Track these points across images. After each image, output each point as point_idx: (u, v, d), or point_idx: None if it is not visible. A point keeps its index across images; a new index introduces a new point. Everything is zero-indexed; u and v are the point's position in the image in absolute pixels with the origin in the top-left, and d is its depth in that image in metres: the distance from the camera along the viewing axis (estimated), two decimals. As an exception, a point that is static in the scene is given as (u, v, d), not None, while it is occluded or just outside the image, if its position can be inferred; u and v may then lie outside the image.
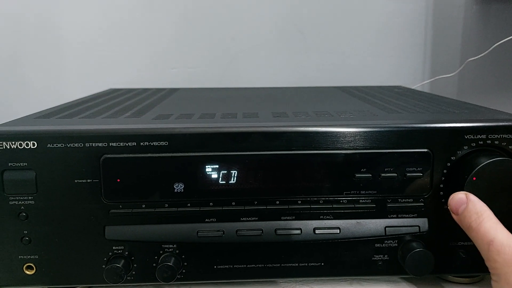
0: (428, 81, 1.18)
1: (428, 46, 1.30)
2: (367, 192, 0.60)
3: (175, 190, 0.59)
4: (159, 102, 0.88)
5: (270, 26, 1.28)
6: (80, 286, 0.64)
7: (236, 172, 0.59)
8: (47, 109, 0.77)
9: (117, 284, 0.59)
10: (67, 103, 0.87)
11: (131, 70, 1.27)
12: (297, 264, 0.62)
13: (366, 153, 0.59)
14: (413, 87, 1.18)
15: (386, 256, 0.61)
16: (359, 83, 1.25)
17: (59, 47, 1.26)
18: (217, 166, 0.59)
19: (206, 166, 0.59)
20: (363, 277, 0.65)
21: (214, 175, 0.59)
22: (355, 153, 0.59)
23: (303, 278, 0.65)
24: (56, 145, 0.57)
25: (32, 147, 0.57)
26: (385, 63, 1.29)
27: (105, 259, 0.60)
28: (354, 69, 1.30)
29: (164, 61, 1.27)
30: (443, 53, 1.29)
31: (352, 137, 0.59)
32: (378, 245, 0.61)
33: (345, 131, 0.59)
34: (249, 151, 0.59)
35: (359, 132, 0.59)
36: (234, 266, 0.61)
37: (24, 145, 0.57)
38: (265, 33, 1.28)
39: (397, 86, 1.16)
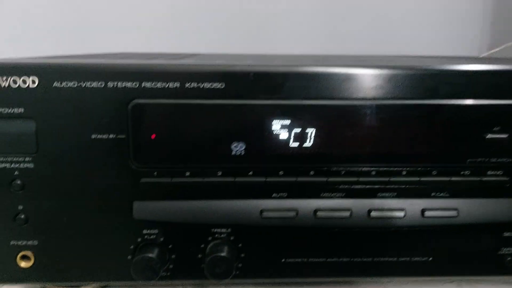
0: (497, 49, 1.01)
1: (488, 13, 1.13)
2: (499, 160, 0.43)
3: (233, 153, 0.42)
4: (189, 57, 0.70)
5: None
6: (93, 284, 0.47)
7: (317, 129, 0.42)
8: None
9: (149, 282, 0.42)
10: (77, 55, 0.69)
11: (144, 34, 1.08)
12: (395, 259, 0.45)
13: (503, 105, 0.42)
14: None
15: (517, 249, 0.45)
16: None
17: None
18: (290, 121, 0.42)
19: (277, 119, 0.42)
20: (481, 277, 0.48)
21: (286, 133, 0.42)
22: (486, 104, 0.42)
23: (402, 278, 0.48)
24: (67, 84, 0.40)
25: (31, 85, 0.40)
26: (439, 32, 1.11)
27: (132, 247, 0.43)
28: (404, 40, 1.12)
29: (181, 24, 1.08)
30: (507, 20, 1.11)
31: (484, 81, 0.42)
32: (509, 234, 0.44)
33: (476, 70, 0.42)
34: (336, 100, 0.41)
35: (497, 71, 0.42)
36: (309, 260, 0.45)
37: (20, 82, 0.40)
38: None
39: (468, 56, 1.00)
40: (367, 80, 0.41)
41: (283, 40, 1.12)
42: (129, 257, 0.44)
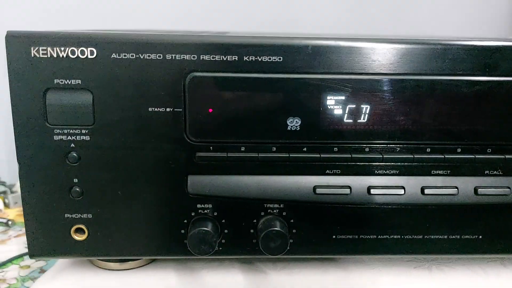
0: None
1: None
2: (555, 137, 0.43)
3: (289, 128, 0.42)
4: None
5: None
6: (140, 259, 0.48)
7: (374, 105, 0.42)
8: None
9: (204, 257, 0.42)
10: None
11: (167, 13, 1.07)
12: (445, 237, 0.45)
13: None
14: None
15: None
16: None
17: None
18: (345, 96, 0.42)
19: (333, 94, 0.41)
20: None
21: (341, 109, 0.42)
22: (544, 82, 0.42)
23: (450, 256, 0.48)
24: (125, 56, 0.40)
25: (89, 56, 0.40)
26: (464, 14, 1.11)
27: (185, 221, 0.43)
28: (428, 22, 1.12)
29: (204, 4, 1.08)
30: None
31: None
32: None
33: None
34: (393, 75, 0.41)
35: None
36: (360, 236, 0.44)
37: (78, 53, 0.40)
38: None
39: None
40: (425, 55, 0.41)
41: (308, 21, 1.11)
42: (182, 231, 0.44)
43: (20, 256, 0.70)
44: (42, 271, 0.68)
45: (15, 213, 0.87)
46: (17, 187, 0.93)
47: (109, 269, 0.48)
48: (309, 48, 0.41)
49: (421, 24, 1.11)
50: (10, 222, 0.80)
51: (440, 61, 0.41)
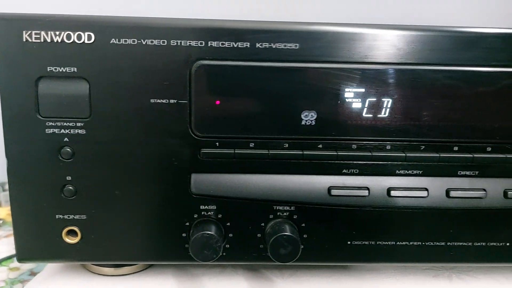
0: None
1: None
2: None
3: (303, 122, 0.38)
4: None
5: None
6: (137, 264, 0.44)
7: (397, 98, 0.38)
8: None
9: (208, 263, 0.39)
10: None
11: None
12: (470, 244, 0.41)
13: None
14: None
15: None
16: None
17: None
18: (368, 89, 0.38)
19: (353, 87, 0.38)
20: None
21: (360, 102, 0.38)
22: None
23: (473, 265, 0.45)
24: (125, 41, 0.36)
25: (87, 41, 0.36)
26: (479, 4, 1.07)
27: (187, 223, 0.40)
28: (432, 12, 1.07)
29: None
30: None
31: None
32: None
33: None
34: (417, 65, 0.38)
35: None
36: (378, 243, 0.41)
37: (74, 37, 0.36)
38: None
39: None
40: (455, 44, 0.37)
41: (310, 11, 1.06)
42: (183, 234, 0.40)
43: (10, 257, 0.66)
44: (32, 273, 0.64)
45: (6, 212, 0.83)
46: (9, 185, 0.89)
47: (103, 274, 0.44)
48: (329, 34, 0.37)
49: (431, 16, 1.07)
50: (0, 222, 0.76)
51: (472, 50, 0.37)
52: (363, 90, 0.38)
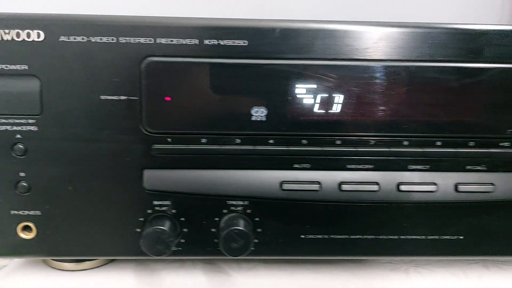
0: None
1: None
2: (541, 131, 0.40)
3: (253, 118, 0.39)
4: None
5: None
6: (100, 258, 0.44)
7: (347, 94, 0.39)
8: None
9: (160, 258, 0.39)
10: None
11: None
12: (424, 237, 0.42)
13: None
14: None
15: (555, 228, 0.42)
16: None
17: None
18: (316, 84, 0.38)
19: (303, 82, 0.38)
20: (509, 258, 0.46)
21: (312, 98, 0.39)
22: (529, 70, 0.39)
23: (430, 257, 0.45)
24: (75, 39, 0.37)
25: (36, 39, 0.37)
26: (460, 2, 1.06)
27: (141, 219, 0.40)
28: (419, 10, 1.07)
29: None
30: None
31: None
32: (547, 212, 0.41)
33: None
34: (365, 60, 0.38)
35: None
36: (331, 236, 0.41)
37: (24, 35, 0.36)
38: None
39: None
40: (403, 40, 0.38)
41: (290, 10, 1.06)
42: (138, 229, 0.40)
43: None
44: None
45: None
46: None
47: (64, 270, 0.45)
48: (277, 31, 0.38)
49: (414, 14, 1.07)
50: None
51: (420, 46, 0.38)
52: (313, 86, 0.39)
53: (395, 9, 1.05)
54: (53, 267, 0.45)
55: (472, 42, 0.38)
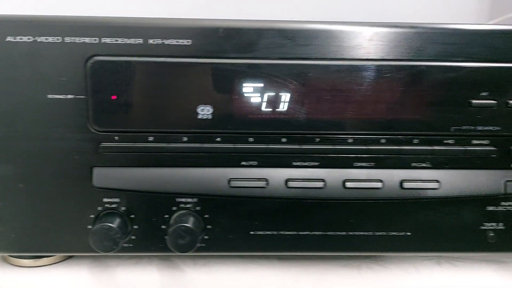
0: (497, 20, 0.97)
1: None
2: (485, 128, 0.40)
3: (199, 116, 0.39)
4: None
5: None
6: (54, 255, 0.45)
7: (292, 92, 0.39)
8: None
9: (109, 254, 0.40)
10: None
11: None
12: (371, 233, 0.42)
13: (493, 68, 0.39)
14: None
15: (501, 224, 0.42)
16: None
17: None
18: (262, 83, 0.39)
19: (248, 81, 0.39)
20: (461, 254, 0.46)
21: (258, 96, 0.39)
22: (475, 67, 0.39)
23: (378, 253, 0.46)
24: (21, 39, 0.37)
25: (-18, 39, 0.37)
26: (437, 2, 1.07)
27: (91, 216, 0.41)
28: (398, 10, 1.07)
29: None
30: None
31: (471, 39, 0.39)
32: (492, 208, 0.42)
33: (464, 29, 0.39)
34: (311, 59, 0.39)
35: (487, 32, 0.39)
36: (280, 232, 0.42)
37: (-31, 36, 0.37)
38: None
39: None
40: (347, 39, 0.38)
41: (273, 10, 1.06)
42: (89, 226, 0.41)
43: None
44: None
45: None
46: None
47: (22, 266, 0.45)
48: (221, 30, 0.38)
49: (393, 14, 1.07)
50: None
51: (363, 44, 0.38)
52: (258, 84, 0.39)
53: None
54: (11, 264, 0.46)
55: (414, 40, 0.38)
